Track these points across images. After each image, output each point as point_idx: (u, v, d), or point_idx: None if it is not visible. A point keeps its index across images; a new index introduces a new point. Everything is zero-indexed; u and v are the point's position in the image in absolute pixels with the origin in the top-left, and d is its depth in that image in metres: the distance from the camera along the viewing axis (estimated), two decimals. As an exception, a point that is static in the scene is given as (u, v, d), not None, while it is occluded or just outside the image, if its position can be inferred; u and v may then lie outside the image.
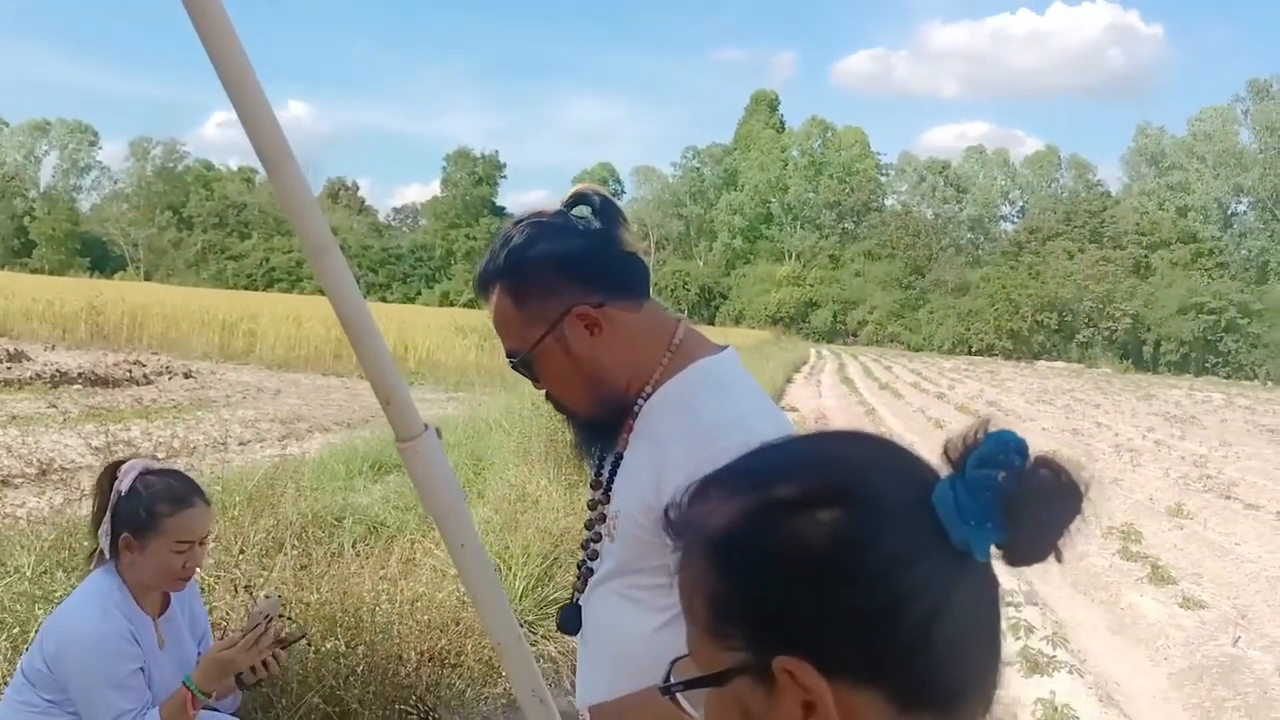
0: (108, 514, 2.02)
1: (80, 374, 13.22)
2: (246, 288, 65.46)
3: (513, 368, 1.34)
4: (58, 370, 13.31)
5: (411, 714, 3.08)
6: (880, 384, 26.00)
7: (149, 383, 13.67)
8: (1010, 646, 4.83)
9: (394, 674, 3.17)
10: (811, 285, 71.90)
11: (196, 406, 11.63)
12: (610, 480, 1.32)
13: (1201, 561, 7.25)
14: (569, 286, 1.26)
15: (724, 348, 1.35)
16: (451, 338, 21.86)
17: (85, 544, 2.21)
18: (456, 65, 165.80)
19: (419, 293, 75.73)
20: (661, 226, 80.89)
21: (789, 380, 23.73)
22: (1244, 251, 68.70)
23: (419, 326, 23.76)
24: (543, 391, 1.37)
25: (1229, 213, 72.07)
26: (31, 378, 12.57)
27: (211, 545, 3.73)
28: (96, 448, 7.61)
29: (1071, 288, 59.26)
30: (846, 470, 0.62)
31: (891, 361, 42.99)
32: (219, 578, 3.61)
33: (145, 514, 1.99)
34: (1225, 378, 54.04)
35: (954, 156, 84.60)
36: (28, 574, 3.40)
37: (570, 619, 1.37)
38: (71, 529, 3.93)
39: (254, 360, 18.83)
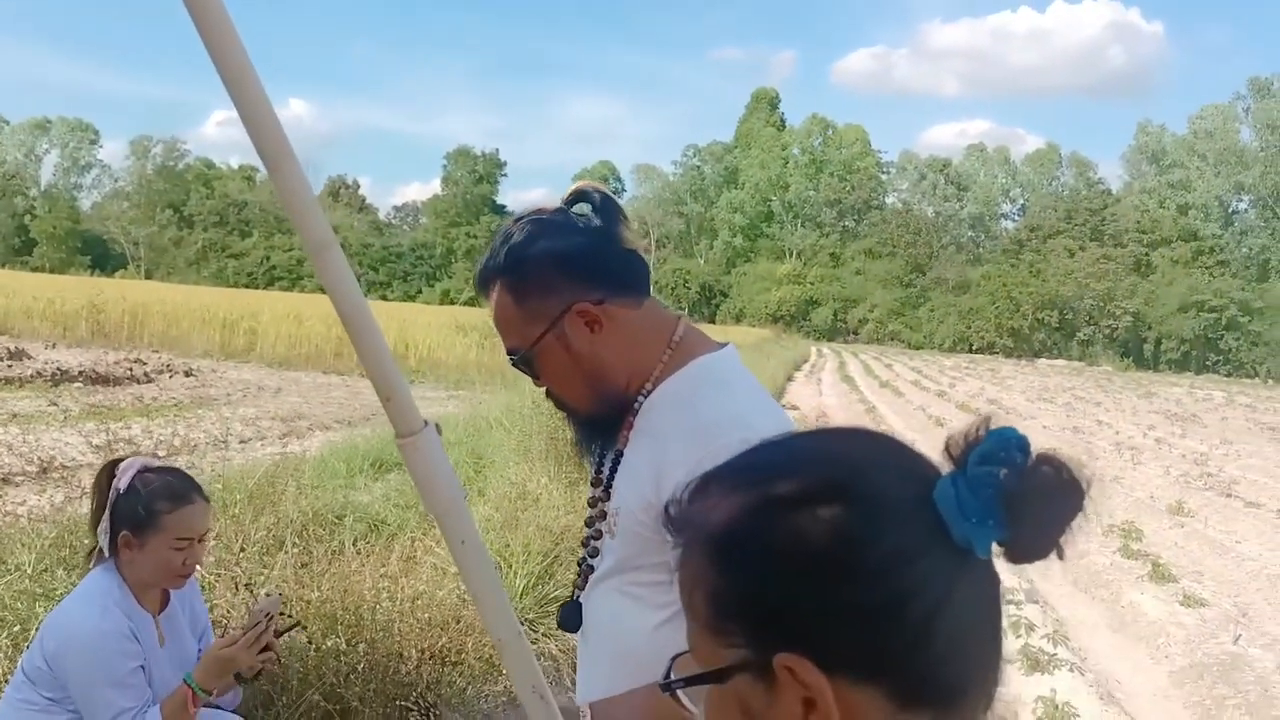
0: (107, 512, 2.02)
1: (81, 372, 13.23)
2: (247, 286, 65.43)
3: (513, 365, 1.34)
4: (58, 368, 13.31)
5: (412, 711, 3.08)
6: (881, 382, 25.99)
7: (150, 381, 13.67)
8: (1011, 644, 4.83)
9: (395, 672, 3.17)
10: (812, 283, 71.83)
11: (197, 404, 11.64)
12: (610, 477, 1.32)
13: (1202, 559, 7.24)
14: (569, 284, 1.26)
15: (724, 345, 1.35)
16: (452, 336, 21.86)
17: (85, 542, 2.20)
18: (457, 64, 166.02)
19: (419, 291, 75.70)
20: (662, 225, 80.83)
21: (789, 379, 23.73)
22: (1245, 249, 68.63)
23: (420, 325, 23.74)
24: (543, 389, 1.37)
25: (1230, 211, 72.00)
26: (32, 376, 12.58)
27: (212, 543, 3.74)
28: (97, 446, 7.62)
29: (1072, 286, 59.22)
30: (847, 467, 0.61)
31: (892, 360, 42.97)
32: (220, 575, 3.61)
33: (144, 511, 2.00)
34: (1226, 376, 54.02)
35: (955, 154, 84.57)
36: (28, 572, 3.40)
37: (571, 616, 1.37)
38: (72, 527, 3.94)
39: (255, 358, 18.85)
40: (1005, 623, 0.64)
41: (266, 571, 3.75)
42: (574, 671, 1.87)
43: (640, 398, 1.30)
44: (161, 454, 7.62)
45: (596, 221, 1.30)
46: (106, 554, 2.04)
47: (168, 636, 2.11)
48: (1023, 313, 59.97)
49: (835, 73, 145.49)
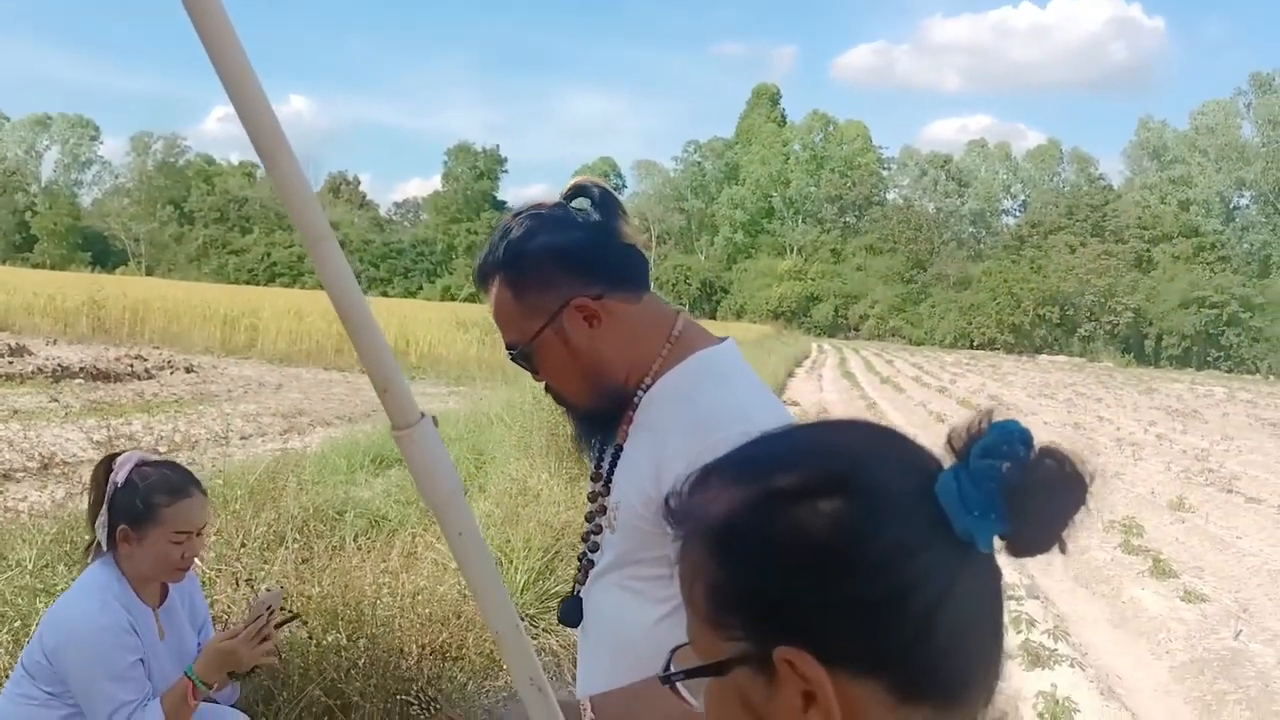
0: (105, 506, 2.02)
1: (82, 368, 13.24)
2: (248, 282, 65.44)
3: (512, 360, 1.34)
4: (59, 365, 13.32)
5: (413, 705, 3.08)
6: (882, 378, 25.99)
7: (150, 377, 13.68)
8: (1012, 640, 4.83)
9: (395, 667, 3.17)
10: (813, 279, 71.81)
11: (198, 401, 11.65)
12: (610, 472, 1.32)
13: (1203, 555, 7.25)
14: (568, 278, 1.26)
15: (723, 339, 1.35)
16: (453, 332, 21.85)
17: (85, 537, 2.21)
18: (456, 60, 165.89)
19: (420, 287, 75.69)
20: (663, 221, 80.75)
21: (790, 375, 23.74)
22: (1246, 245, 68.57)
23: (420, 321, 23.74)
24: (543, 384, 1.37)
25: (1231, 206, 71.92)
26: (33, 372, 12.59)
27: (213, 539, 3.75)
28: (98, 442, 7.63)
29: (1073, 282, 59.20)
30: (847, 459, 0.61)
31: (893, 356, 42.98)
32: (220, 571, 3.62)
33: (142, 505, 1.99)
34: (1227, 372, 54.01)
35: (956, 150, 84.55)
36: (29, 568, 3.41)
37: (571, 611, 1.37)
38: (73, 523, 3.94)
39: (255, 355, 18.86)
40: (1006, 617, 0.64)
41: (267, 567, 3.75)
42: (574, 666, 1.86)
43: (640, 392, 1.30)
44: (162, 450, 7.63)
45: (595, 216, 1.29)
46: (105, 548, 2.04)
47: (167, 630, 2.11)
48: (1024, 309, 59.96)
49: (836, 68, 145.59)
